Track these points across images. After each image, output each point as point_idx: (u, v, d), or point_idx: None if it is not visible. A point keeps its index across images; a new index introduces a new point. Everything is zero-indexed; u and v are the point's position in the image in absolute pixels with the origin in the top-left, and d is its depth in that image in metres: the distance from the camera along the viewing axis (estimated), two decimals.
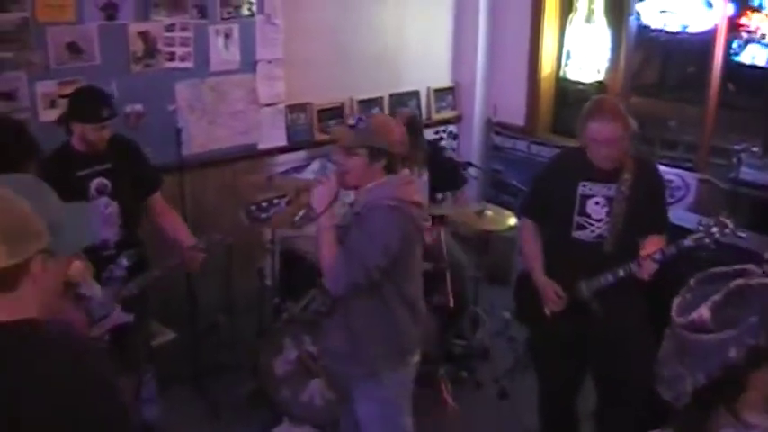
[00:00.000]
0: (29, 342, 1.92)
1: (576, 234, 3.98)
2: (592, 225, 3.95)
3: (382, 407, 3.67)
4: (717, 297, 1.83)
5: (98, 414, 1.93)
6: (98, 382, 1.97)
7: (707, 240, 3.71)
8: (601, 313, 3.92)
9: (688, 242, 3.74)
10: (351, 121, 3.44)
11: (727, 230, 3.69)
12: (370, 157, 3.43)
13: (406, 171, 3.73)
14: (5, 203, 1.90)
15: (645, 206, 3.89)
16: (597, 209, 3.93)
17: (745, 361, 1.79)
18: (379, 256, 3.37)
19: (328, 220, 3.45)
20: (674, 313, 1.90)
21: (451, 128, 7.66)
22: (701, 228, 3.74)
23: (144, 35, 5.51)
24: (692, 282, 1.96)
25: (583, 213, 3.96)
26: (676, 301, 1.93)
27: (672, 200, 5.76)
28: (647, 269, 3.77)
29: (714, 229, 3.69)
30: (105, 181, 4.30)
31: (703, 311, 1.82)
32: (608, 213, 3.91)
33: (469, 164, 6.26)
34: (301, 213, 3.34)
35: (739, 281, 1.85)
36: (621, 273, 3.85)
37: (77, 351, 2.03)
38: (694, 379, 1.81)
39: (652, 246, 3.85)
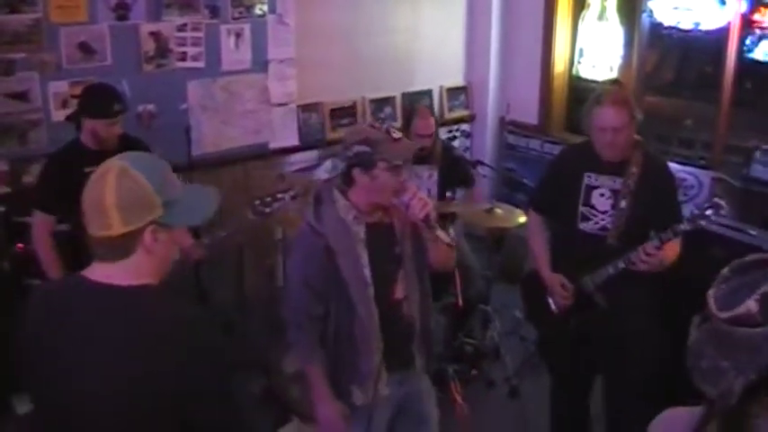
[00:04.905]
0: (142, 305, 2.10)
1: (581, 225, 3.98)
2: (596, 216, 3.95)
3: None
4: (765, 288, 1.77)
5: (198, 375, 2.06)
6: (202, 346, 2.11)
7: (702, 222, 3.67)
8: (605, 306, 3.92)
9: (684, 225, 3.70)
10: (397, 134, 3.24)
11: (722, 212, 3.66)
12: None
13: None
14: (123, 176, 2.07)
15: (652, 202, 3.86)
16: (602, 200, 3.93)
17: None
18: None
19: None
20: (713, 307, 1.83)
21: (464, 127, 7.67)
22: (695, 211, 3.71)
23: (156, 35, 5.55)
24: (725, 271, 1.89)
25: (588, 204, 3.96)
26: (712, 293, 1.86)
27: (685, 198, 5.73)
28: (642, 259, 3.74)
29: (709, 211, 3.65)
30: None
31: (751, 305, 1.75)
32: (612, 206, 3.90)
33: (480, 162, 6.24)
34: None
35: None
36: (622, 264, 3.83)
37: (188, 316, 2.20)
38: (745, 377, 1.76)
39: (670, 250, 3.83)
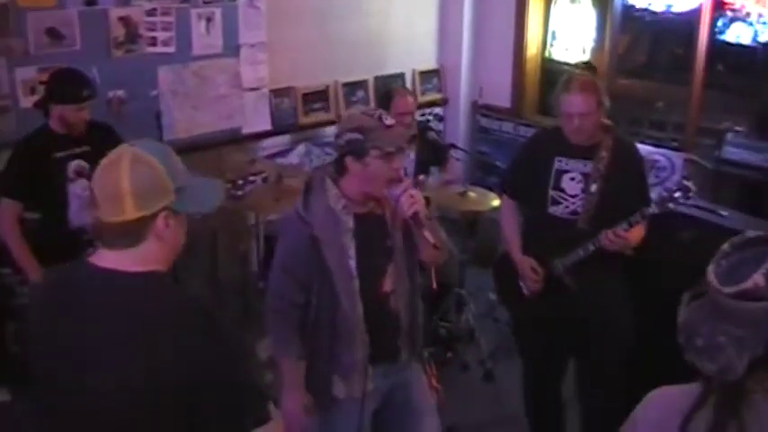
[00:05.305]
0: (153, 291, 2.12)
1: (552, 209, 3.98)
2: (566, 200, 3.95)
3: None
4: None
5: (209, 360, 2.06)
6: (212, 330, 2.12)
7: (670, 205, 3.70)
8: (575, 288, 3.94)
9: (652, 209, 3.73)
10: (390, 121, 3.18)
11: (690, 194, 3.68)
12: None
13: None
14: (138, 161, 2.07)
15: (621, 185, 3.87)
16: (572, 184, 3.93)
17: None
18: None
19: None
20: (715, 282, 1.83)
21: (437, 110, 7.65)
22: (664, 194, 3.73)
23: (125, 20, 5.47)
24: (725, 247, 1.89)
25: (558, 188, 3.96)
26: (713, 269, 1.86)
27: (657, 180, 5.75)
28: (609, 239, 3.76)
29: (677, 194, 3.68)
30: (84, 163, 4.31)
31: (758, 279, 1.75)
32: (583, 190, 3.91)
33: (453, 146, 6.23)
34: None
35: None
36: (591, 247, 3.85)
37: (197, 301, 2.21)
38: (751, 351, 1.76)
39: (636, 232, 3.84)
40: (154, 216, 2.08)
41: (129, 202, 2.04)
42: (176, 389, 2.02)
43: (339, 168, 3.20)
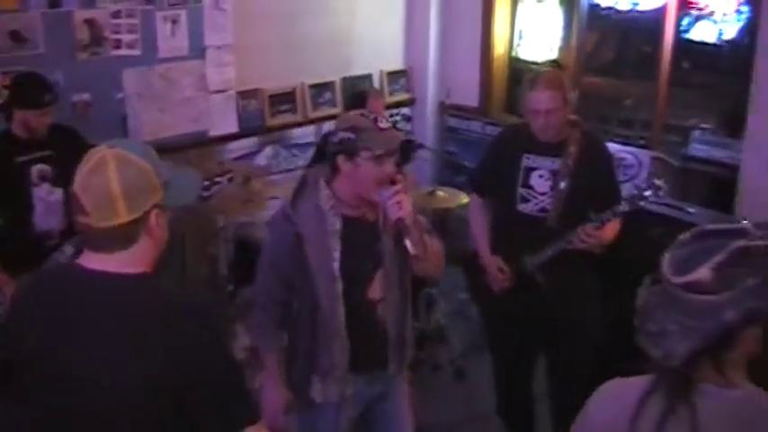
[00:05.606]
0: (141, 292, 2.11)
1: (521, 207, 3.97)
2: (535, 198, 3.94)
3: None
4: (719, 258, 1.76)
5: (203, 356, 2.07)
6: (210, 329, 2.14)
7: (641, 203, 3.73)
8: (545, 286, 3.93)
9: (623, 206, 3.75)
10: (384, 124, 3.13)
11: (660, 192, 3.70)
12: None
13: None
14: (124, 163, 2.06)
15: (590, 181, 3.87)
16: (541, 182, 3.93)
17: (740, 322, 1.75)
18: None
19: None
20: (667, 270, 1.83)
21: (405, 111, 7.64)
22: (635, 192, 3.75)
23: (90, 22, 5.40)
24: (686, 236, 1.89)
25: (526, 185, 3.95)
26: (668, 257, 1.86)
27: (625, 178, 5.77)
28: (581, 239, 3.76)
29: (647, 192, 3.70)
30: (46, 167, 4.27)
31: (704, 272, 1.75)
32: (552, 187, 3.90)
33: (421, 145, 6.23)
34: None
35: (742, 242, 1.78)
36: (562, 245, 3.85)
37: (191, 302, 2.23)
38: (690, 342, 1.76)
39: (609, 230, 3.84)
40: (146, 215, 2.08)
41: (122, 206, 2.04)
42: (170, 388, 2.02)
43: (332, 168, 3.17)
